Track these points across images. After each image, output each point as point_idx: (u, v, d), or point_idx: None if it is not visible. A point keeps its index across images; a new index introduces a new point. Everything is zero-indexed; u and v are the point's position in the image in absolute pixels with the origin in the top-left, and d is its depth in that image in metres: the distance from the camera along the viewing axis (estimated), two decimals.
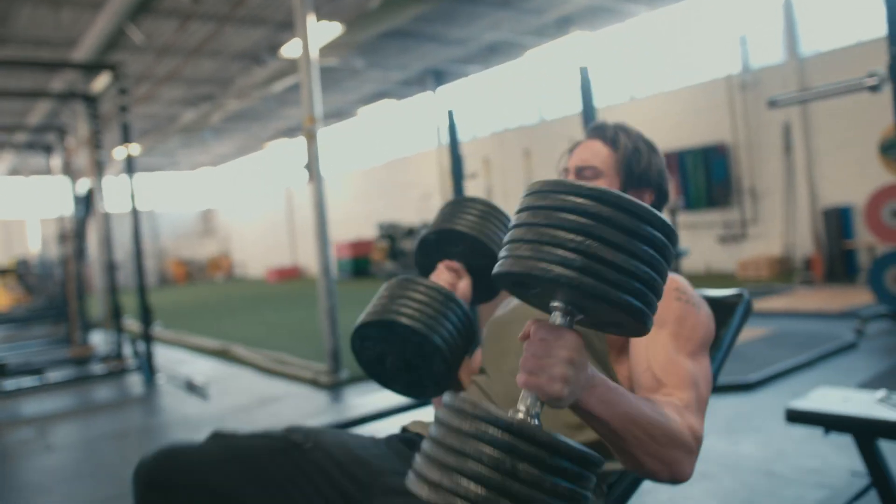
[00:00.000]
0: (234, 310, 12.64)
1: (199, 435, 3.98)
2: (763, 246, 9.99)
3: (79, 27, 9.96)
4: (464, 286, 1.45)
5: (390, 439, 1.29)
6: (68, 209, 8.46)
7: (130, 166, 6.19)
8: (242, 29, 10.55)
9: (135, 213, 6.33)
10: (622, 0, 10.65)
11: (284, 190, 22.54)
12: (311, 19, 5.50)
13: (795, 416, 2.16)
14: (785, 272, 9.42)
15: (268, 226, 23.46)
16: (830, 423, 2.10)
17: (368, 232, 18.38)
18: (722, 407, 3.63)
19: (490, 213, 1.49)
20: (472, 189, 15.16)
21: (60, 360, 7.00)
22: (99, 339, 8.50)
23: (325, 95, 15.39)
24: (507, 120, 14.62)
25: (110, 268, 7.10)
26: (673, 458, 0.95)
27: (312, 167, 5.29)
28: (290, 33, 10.06)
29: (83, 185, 7.99)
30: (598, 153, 1.40)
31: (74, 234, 8.19)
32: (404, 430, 1.35)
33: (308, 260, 21.08)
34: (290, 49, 10.36)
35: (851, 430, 2.08)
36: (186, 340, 8.43)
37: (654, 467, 0.94)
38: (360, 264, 17.51)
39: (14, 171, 20.84)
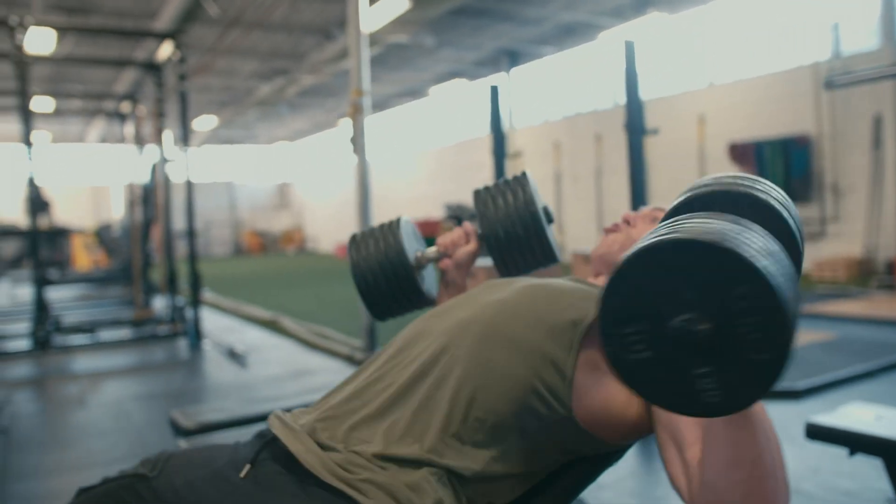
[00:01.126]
0: (296, 282, 12.84)
1: (228, 401, 3.99)
2: (842, 246, 9.38)
3: (156, 0, 10.21)
4: (468, 249, 1.43)
5: (255, 453, 1.03)
6: (139, 177, 8.70)
7: (186, 135, 6.26)
8: (313, 2, 10.57)
9: (189, 184, 6.43)
10: None
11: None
12: None
13: (816, 433, 1.93)
14: (864, 275, 8.81)
15: (340, 201, 23.76)
16: (855, 442, 1.87)
17: (438, 212, 18.34)
18: None
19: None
20: (543, 173, 14.94)
21: (122, 321, 7.22)
22: (162, 304, 8.76)
23: (396, 73, 15.39)
24: (579, 104, 14.22)
25: (167, 234, 7.24)
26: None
27: (357, 141, 5.21)
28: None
29: (150, 153, 8.19)
30: None
31: (140, 201, 8.44)
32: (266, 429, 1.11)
33: None
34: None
35: (879, 452, 1.84)
36: (241, 310, 8.58)
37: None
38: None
39: (103, 139, 21.75)
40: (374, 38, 11.24)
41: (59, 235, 16.96)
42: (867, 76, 3.27)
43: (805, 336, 5.27)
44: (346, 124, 21.27)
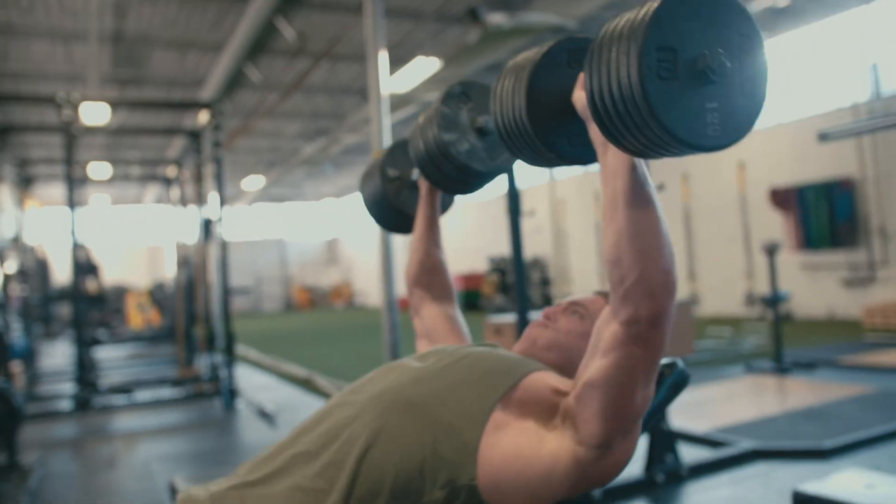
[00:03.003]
0: (340, 337, 12.95)
1: (241, 461, 4.04)
2: (894, 291, 9.03)
3: (202, 68, 10.71)
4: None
5: None
6: (186, 237, 9.00)
7: (222, 198, 6.49)
8: (350, 65, 10.93)
9: (224, 244, 6.62)
10: None
11: None
12: (382, 54, 5.56)
13: (803, 502, 1.86)
14: None
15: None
16: None
17: (481, 265, 18.36)
18: (782, 475, 3.24)
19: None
20: (585, 223, 14.91)
21: (165, 380, 7.37)
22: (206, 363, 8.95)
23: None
24: None
25: (204, 294, 7.44)
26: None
27: None
28: (396, 67, 10.30)
29: (192, 214, 8.48)
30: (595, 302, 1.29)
31: (183, 261, 8.72)
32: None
33: None
34: (392, 84, 10.60)
35: None
36: (279, 367, 8.69)
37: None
38: (470, 297, 17.47)
39: (159, 200, 22.64)
40: (409, 98, 11.52)
41: (113, 295, 17.55)
42: (860, 129, 3.19)
43: (838, 390, 5.06)
44: None
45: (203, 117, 6.17)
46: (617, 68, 0.83)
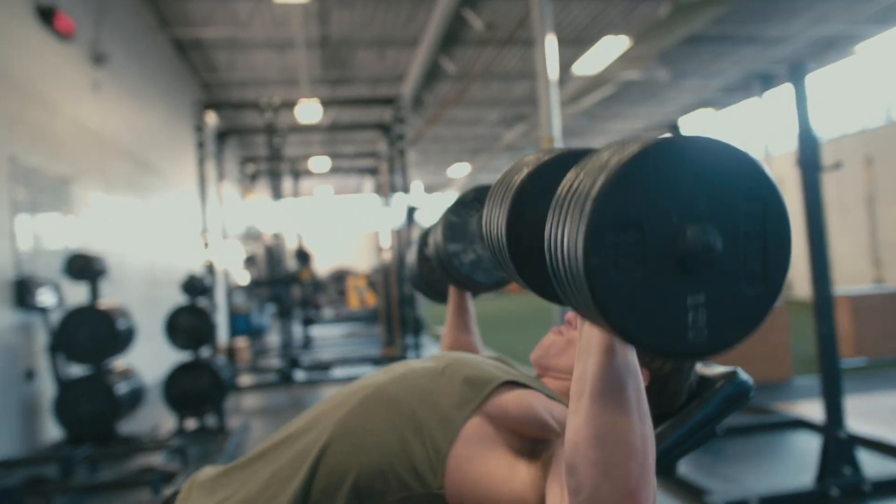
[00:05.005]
0: (544, 323, 13.03)
1: None
2: None
3: (401, 64, 11.27)
4: None
5: None
6: (394, 224, 9.56)
7: (406, 187, 6.82)
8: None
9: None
10: None
11: None
12: (550, 38, 5.50)
13: None
14: None
15: None
16: None
17: None
18: None
19: None
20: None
21: (368, 358, 7.90)
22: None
23: (639, 108, 15.11)
24: (845, 123, 12.71)
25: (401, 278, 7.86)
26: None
27: None
28: (585, 48, 10.09)
29: (395, 201, 8.99)
30: None
31: (395, 246, 9.30)
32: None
33: None
34: (581, 66, 10.41)
35: None
36: None
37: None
38: None
39: (373, 190, 24.25)
40: (605, 77, 11.22)
41: (334, 279, 19.07)
42: None
43: None
44: None
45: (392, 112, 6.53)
46: (566, 241, 0.63)
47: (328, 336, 11.75)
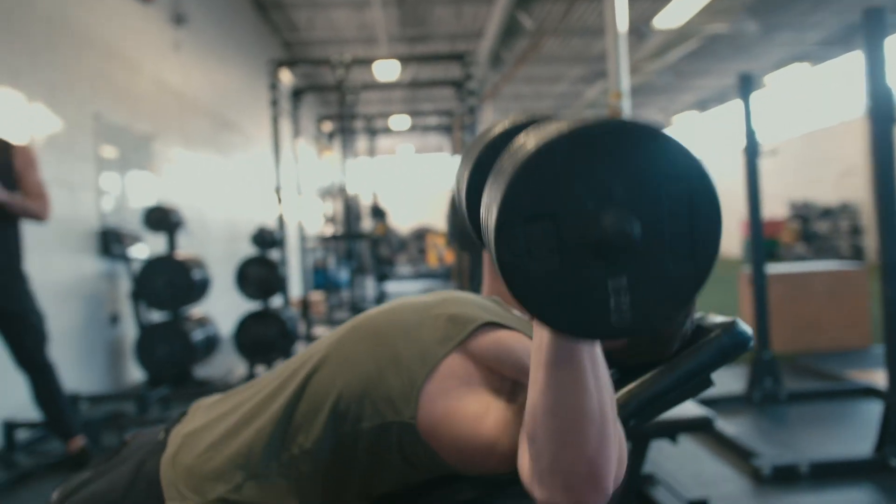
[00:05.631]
0: None
1: None
2: None
3: (479, 20, 11.14)
4: None
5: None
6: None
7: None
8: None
9: None
10: None
11: None
12: None
13: None
14: None
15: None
16: None
17: (781, 210, 16.73)
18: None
19: None
20: None
21: None
22: None
23: (727, 64, 14.45)
24: None
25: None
26: None
27: None
28: (667, 0, 9.70)
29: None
30: None
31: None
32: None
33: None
34: (663, 19, 10.01)
35: None
36: None
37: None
38: (767, 246, 16.08)
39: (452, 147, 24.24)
40: (690, 31, 10.77)
41: (415, 237, 19.30)
42: None
43: None
44: (680, 120, 20.57)
45: (471, 67, 6.49)
46: (487, 230, 0.64)
47: (405, 291, 11.96)
